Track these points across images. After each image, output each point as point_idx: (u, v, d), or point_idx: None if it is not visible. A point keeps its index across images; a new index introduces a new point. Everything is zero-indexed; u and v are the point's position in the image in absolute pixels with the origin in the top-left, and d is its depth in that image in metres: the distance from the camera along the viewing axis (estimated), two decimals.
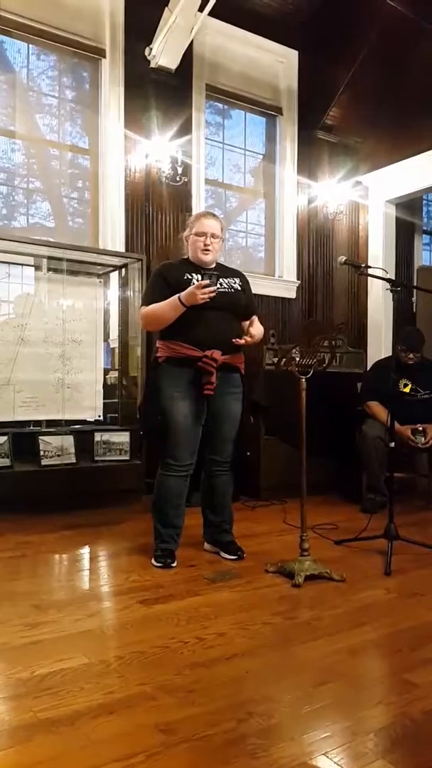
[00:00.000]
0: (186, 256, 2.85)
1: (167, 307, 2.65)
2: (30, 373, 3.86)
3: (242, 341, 2.70)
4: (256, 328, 2.73)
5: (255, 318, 2.76)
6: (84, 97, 4.57)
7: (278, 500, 4.07)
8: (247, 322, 2.73)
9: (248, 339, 2.71)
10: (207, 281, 2.57)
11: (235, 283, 2.79)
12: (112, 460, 3.98)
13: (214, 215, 2.82)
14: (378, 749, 1.39)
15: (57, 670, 1.74)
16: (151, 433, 2.89)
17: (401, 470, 3.82)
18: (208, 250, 2.72)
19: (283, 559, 2.67)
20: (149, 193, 4.54)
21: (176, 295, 2.62)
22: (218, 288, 2.60)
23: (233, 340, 2.68)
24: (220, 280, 2.68)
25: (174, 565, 2.71)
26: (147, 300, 2.76)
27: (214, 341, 2.66)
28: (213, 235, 2.72)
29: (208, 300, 2.56)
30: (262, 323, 2.83)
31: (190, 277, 2.70)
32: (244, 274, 2.93)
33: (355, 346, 5.21)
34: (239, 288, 2.80)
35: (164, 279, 2.73)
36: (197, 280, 2.65)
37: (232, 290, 2.75)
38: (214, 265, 2.79)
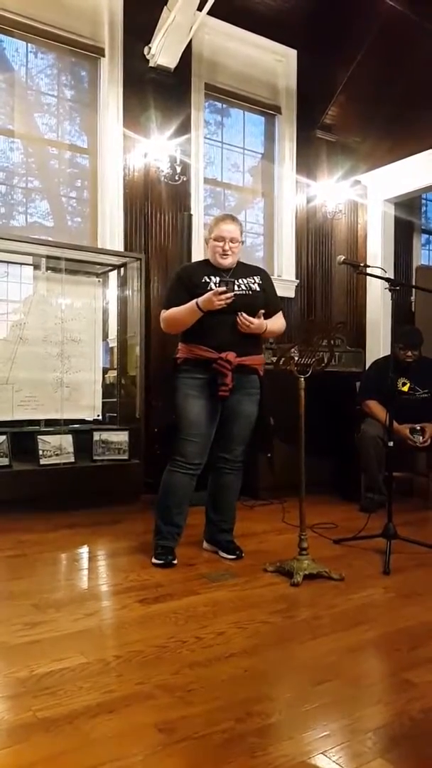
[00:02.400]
0: (207, 257, 2.88)
1: (185, 312, 2.70)
2: (29, 372, 3.86)
3: (245, 322, 2.66)
4: (268, 322, 2.76)
5: (278, 314, 2.86)
6: (83, 96, 4.56)
7: (277, 499, 4.07)
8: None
9: (252, 323, 2.67)
10: (223, 288, 2.61)
11: (254, 283, 2.81)
12: (111, 459, 3.98)
13: (233, 219, 2.83)
14: (376, 748, 1.39)
15: (56, 669, 1.74)
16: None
17: (400, 469, 3.82)
18: (226, 255, 2.76)
19: (282, 559, 2.67)
20: (148, 193, 4.54)
21: (194, 300, 2.66)
22: (235, 291, 2.64)
23: (239, 317, 2.66)
24: (239, 281, 2.73)
25: (175, 562, 2.71)
26: (167, 304, 2.81)
27: (229, 343, 2.69)
28: (232, 240, 2.76)
29: (225, 306, 2.61)
30: None
31: (208, 280, 2.74)
32: (265, 270, 2.96)
33: (353, 345, 5.20)
34: (258, 288, 2.81)
35: (182, 282, 2.79)
36: (215, 284, 2.69)
37: (250, 291, 2.77)
38: (234, 266, 2.82)
